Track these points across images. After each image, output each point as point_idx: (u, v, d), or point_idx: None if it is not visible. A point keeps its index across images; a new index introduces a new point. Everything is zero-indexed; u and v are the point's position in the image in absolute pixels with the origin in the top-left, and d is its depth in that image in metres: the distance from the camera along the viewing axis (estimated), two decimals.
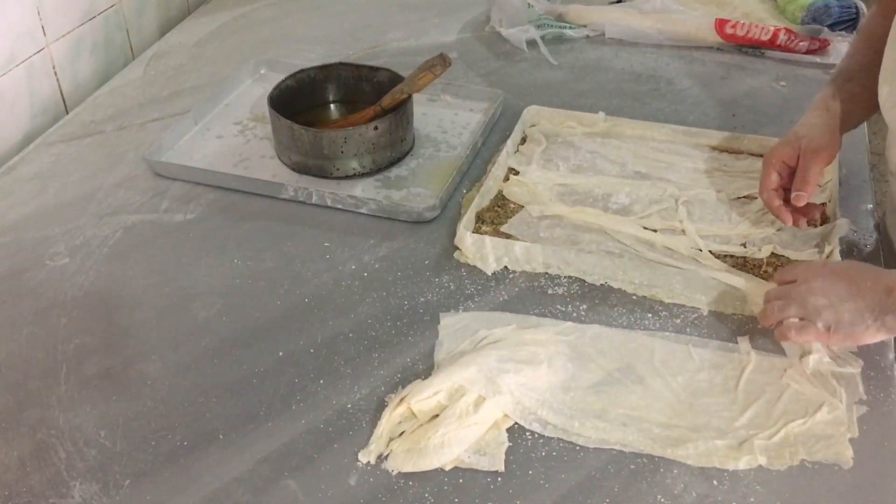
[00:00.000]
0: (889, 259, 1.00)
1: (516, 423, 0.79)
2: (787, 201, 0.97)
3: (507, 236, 1.00)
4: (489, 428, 0.78)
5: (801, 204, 0.96)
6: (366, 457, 0.76)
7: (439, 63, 1.09)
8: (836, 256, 0.94)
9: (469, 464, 0.76)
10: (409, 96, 1.12)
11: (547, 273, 0.96)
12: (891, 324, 0.80)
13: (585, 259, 0.95)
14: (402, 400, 0.79)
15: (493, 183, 1.07)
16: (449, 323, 0.89)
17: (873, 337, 0.81)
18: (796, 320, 0.83)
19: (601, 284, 0.95)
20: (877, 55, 0.99)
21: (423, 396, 0.79)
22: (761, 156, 1.13)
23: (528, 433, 0.79)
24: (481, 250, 0.97)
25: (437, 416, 0.79)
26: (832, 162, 0.99)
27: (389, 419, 0.78)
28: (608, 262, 0.94)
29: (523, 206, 1.05)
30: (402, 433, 0.78)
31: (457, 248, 0.99)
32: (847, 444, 0.77)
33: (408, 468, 0.75)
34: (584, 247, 0.98)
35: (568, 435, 0.78)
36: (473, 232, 0.99)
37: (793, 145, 0.98)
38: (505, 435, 0.78)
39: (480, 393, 0.79)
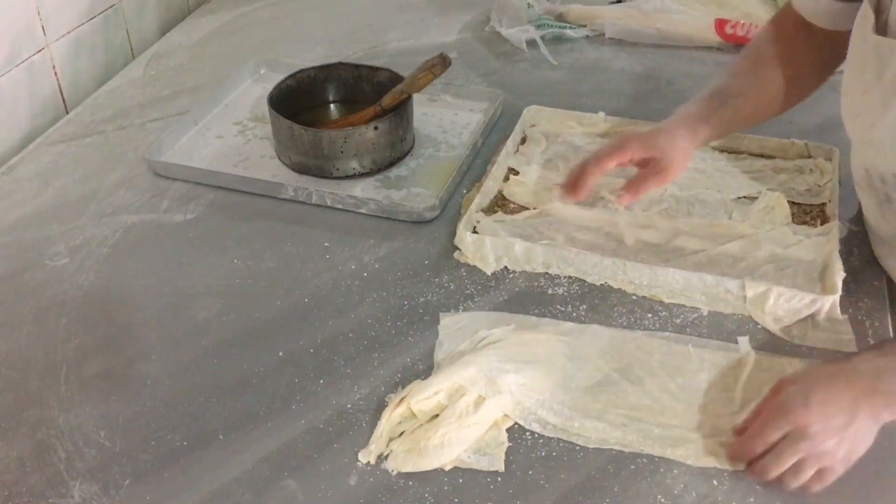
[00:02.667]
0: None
1: (516, 423, 0.79)
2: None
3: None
4: (489, 428, 0.78)
5: (623, 205, 0.99)
6: (366, 457, 0.76)
7: (439, 63, 1.09)
8: (836, 256, 0.93)
9: (469, 464, 0.76)
10: (409, 96, 1.12)
11: (547, 273, 0.96)
12: (886, 417, 0.75)
13: (585, 259, 0.95)
14: (402, 400, 0.79)
15: (493, 183, 1.07)
16: (449, 323, 0.89)
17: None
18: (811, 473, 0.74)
19: (601, 284, 0.95)
20: (759, 81, 0.98)
21: (423, 396, 0.79)
22: (761, 156, 1.13)
23: (528, 433, 0.79)
24: (481, 250, 0.97)
25: (437, 416, 0.79)
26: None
27: (389, 419, 0.78)
28: (608, 262, 0.94)
29: (523, 206, 1.05)
30: (402, 433, 0.78)
31: (457, 248, 0.99)
32: None
33: (408, 468, 0.75)
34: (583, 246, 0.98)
35: (568, 435, 0.78)
36: (473, 232, 0.99)
37: (649, 150, 0.96)
38: (505, 435, 0.78)
39: (480, 393, 0.79)
